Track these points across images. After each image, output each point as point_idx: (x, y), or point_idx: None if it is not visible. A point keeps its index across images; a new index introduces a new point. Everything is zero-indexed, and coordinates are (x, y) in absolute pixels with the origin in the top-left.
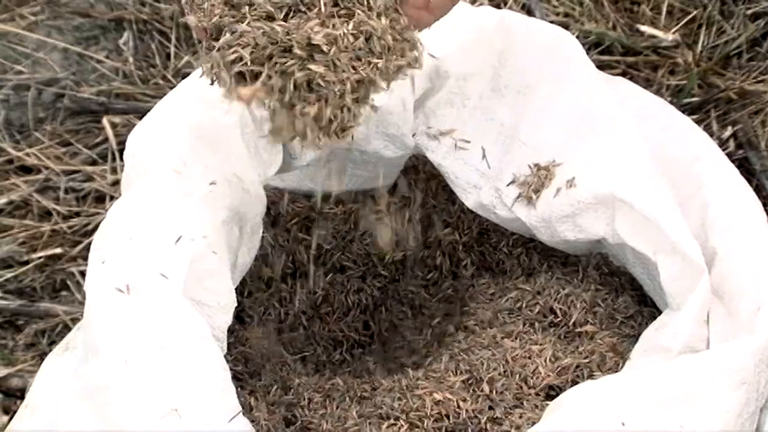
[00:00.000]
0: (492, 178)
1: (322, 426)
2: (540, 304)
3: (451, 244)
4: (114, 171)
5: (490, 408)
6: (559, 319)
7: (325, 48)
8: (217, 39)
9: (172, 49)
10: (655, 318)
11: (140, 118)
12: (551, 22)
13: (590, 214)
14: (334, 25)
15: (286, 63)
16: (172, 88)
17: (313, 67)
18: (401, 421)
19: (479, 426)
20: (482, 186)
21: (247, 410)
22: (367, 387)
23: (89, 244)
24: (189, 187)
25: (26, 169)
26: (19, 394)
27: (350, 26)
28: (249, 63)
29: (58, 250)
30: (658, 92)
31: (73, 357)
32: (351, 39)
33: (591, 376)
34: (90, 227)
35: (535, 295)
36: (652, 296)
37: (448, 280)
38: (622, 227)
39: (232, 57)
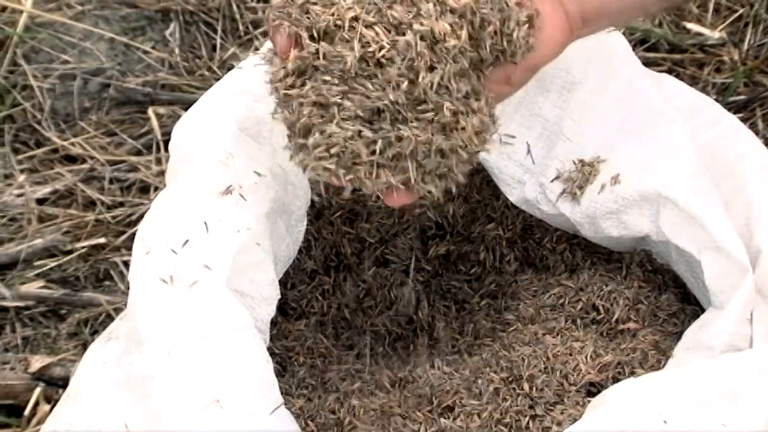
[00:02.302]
0: (536, 173)
1: (362, 418)
2: (582, 300)
3: (495, 240)
4: (159, 162)
5: (531, 407)
6: (601, 316)
7: (412, 159)
8: (305, 137)
9: (218, 41)
10: (698, 316)
11: (185, 109)
12: None
13: (634, 210)
14: (419, 130)
15: (371, 173)
16: (217, 79)
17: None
18: (441, 416)
19: (520, 422)
20: (526, 181)
21: (289, 402)
22: (409, 381)
23: (133, 234)
24: (234, 178)
25: (71, 159)
26: (62, 383)
27: (440, 138)
28: (336, 167)
29: (102, 240)
30: (703, 90)
31: (115, 347)
32: (440, 143)
33: (633, 374)
34: (134, 217)
35: (577, 291)
36: (695, 294)
37: (492, 275)
38: (666, 225)
39: (320, 156)
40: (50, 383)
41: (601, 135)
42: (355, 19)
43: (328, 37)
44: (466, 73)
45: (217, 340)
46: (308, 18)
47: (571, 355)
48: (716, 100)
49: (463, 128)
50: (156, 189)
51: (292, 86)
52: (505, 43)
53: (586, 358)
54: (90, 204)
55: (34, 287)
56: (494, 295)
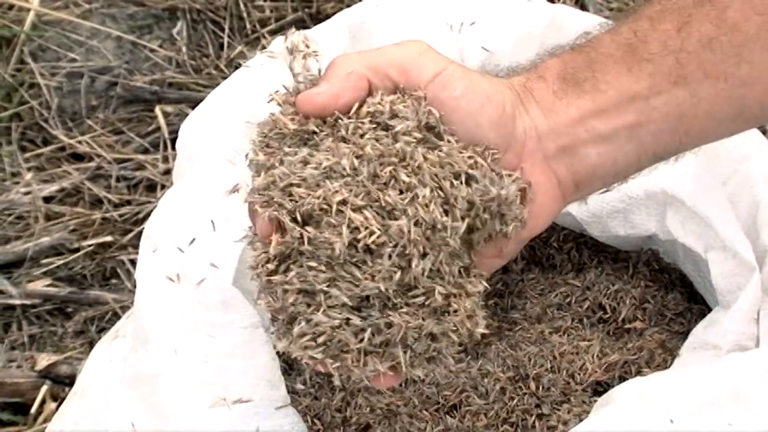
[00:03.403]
0: None
1: (368, 415)
2: (589, 299)
3: None
4: (165, 160)
5: (537, 405)
6: (608, 315)
7: (402, 345)
8: (290, 324)
9: (226, 39)
10: (704, 315)
11: (192, 108)
12: (605, 17)
13: (641, 210)
14: (410, 316)
15: (359, 361)
16: (224, 78)
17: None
18: (447, 415)
19: (526, 421)
20: None
21: (296, 401)
22: (415, 380)
23: (140, 232)
24: (241, 177)
25: (78, 157)
26: (68, 381)
27: (431, 323)
28: (323, 356)
29: (109, 238)
30: None
31: (122, 345)
32: (431, 327)
33: (639, 373)
34: (141, 216)
35: (584, 290)
36: (702, 293)
37: (498, 274)
38: (673, 224)
39: (306, 345)
40: (57, 381)
41: None
42: (343, 202)
43: (314, 221)
44: (457, 254)
45: (223, 338)
46: (291, 201)
47: (577, 354)
48: None
49: (456, 311)
50: (163, 187)
51: (275, 272)
52: (498, 224)
53: (592, 357)
54: (97, 202)
55: (40, 285)
56: (501, 293)
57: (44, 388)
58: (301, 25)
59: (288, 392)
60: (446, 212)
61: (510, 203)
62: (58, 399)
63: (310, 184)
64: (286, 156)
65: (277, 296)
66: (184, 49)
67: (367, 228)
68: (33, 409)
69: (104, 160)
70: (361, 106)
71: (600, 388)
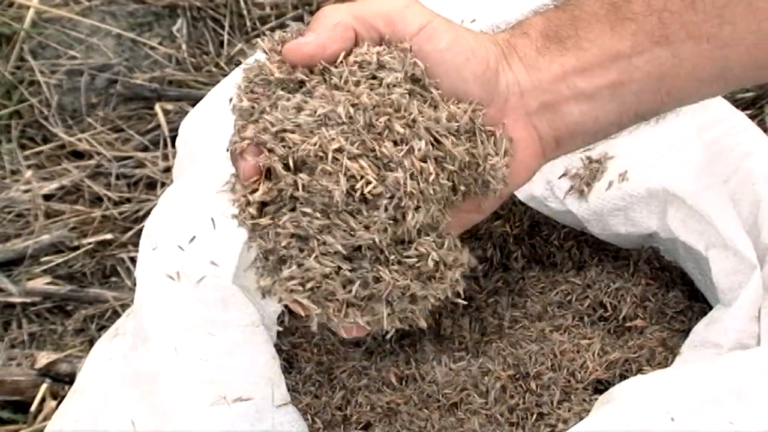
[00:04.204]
0: (544, 170)
1: (369, 414)
2: (590, 297)
3: (502, 236)
4: (165, 157)
5: (538, 404)
6: (608, 313)
7: (386, 302)
8: (279, 266)
9: (226, 37)
10: (705, 313)
11: (193, 105)
12: None
13: (642, 207)
14: (399, 275)
15: (341, 311)
16: (224, 75)
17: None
18: (447, 413)
19: (527, 419)
20: (534, 178)
21: (296, 399)
22: (416, 378)
23: (140, 230)
24: None
25: (78, 155)
26: (68, 379)
27: (417, 286)
28: (307, 301)
29: (109, 236)
30: None
31: (122, 343)
32: (416, 290)
33: (640, 371)
34: (141, 213)
35: (585, 288)
36: (703, 291)
37: (499, 272)
38: (673, 222)
39: (293, 289)
40: (56, 379)
41: None
42: (339, 150)
43: (307, 168)
44: (442, 211)
45: (223, 336)
46: (284, 147)
47: (578, 352)
48: (724, 96)
49: (442, 279)
50: (163, 185)
51: (258, 215)
52: (480, 181)
53: (593, 355)
54: (97, 200)
55: (40, 283)
56: (501, 292)
57: (44, 387)
58: (301, 22)
59: (288, 390)
60: (441, 167)
61: (496, 161)
62: (58, 397)
63: (305, 130)
64: (278, 101)
65: (269, 238)
66: (184, 46)
67: (363, 177)
68: (33, 408)
69: (104, 157)
70: (347, 56)
71: (601, 387)
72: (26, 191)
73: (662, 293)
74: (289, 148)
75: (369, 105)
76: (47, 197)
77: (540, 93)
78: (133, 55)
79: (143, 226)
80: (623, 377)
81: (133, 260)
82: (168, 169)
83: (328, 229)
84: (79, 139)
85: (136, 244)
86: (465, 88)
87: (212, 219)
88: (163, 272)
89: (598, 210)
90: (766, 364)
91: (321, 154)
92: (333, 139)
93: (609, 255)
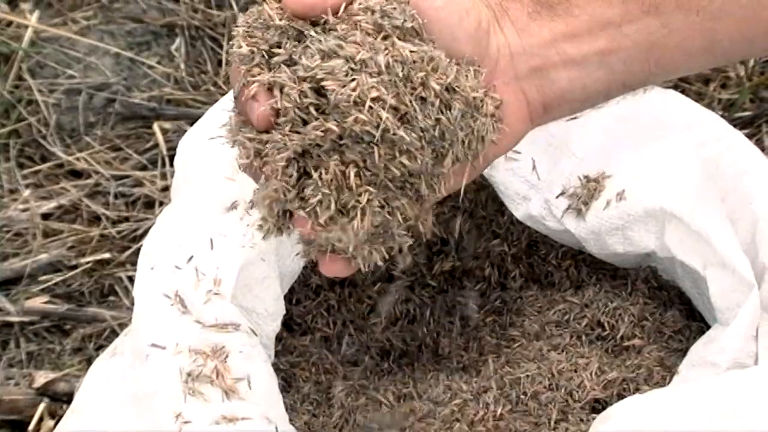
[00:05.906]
0: (542, 189)
1: None
2: (588, 317)
3: (500, 256)
4: (164, 177)
5: (535, 423)
6: (606, 333)
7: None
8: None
9: (224, 56)
10: (703, 333)
11: (191, 125)
12: None
13: (640, 227)
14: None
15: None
16: (223, 94)
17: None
18: (446, 431)
19: None
20: (532, 197)
21: (294, 418)
22: (414, 397)
23: (138, 249)
24: (239, 193)
25: (76, 174)
26: (66, 398)
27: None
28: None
29: (107, 255)
30: (709, 106)
31: (120, 362)
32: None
33: (638, 390)
34: (139, 233)
35: (583, 307)
36: (700, 311)
37: (497, 291)
38: (671, 241)
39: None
40: (54, 399)
41: (606, 151)
42: (376, 99)
43: (338, 112)
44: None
45: (222, 356)
46: (311, 91)
47: (576, 371)
48: (722, 116)
49: (424, 200)
50: (161, 204)
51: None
52: (476, 144)
53: (591, 374)
54: (95, 219)
55: (38, 302)
56: (499, 311)
57: (42, 406)
58: None
59: (286, 409)
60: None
61: (487, 121)
62: (56, 416)
63: (338, 76)
64: (312, 43)
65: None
66: (182, 65)
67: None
68: (31, 427)
69: (102, 176)
70: (348, 5)
71: (598, 406)
72: (24, 210)
73: (660, 312)
74: (320, 93)
75: (410, 58)
76: (45, 216)
77: (529, 57)
78: (132, 75)
79: (141, 246)
80: (621, 396)
81: (131, 279)
82: (166, 188)
83: (364, 165)
84: (78, 158)
85: (134, 264)
86: (457, 48)
87: (210, 238)
88: (160, 292)
89: (596, 229)
90: (764, 384)
91: (358, 100)
92: (373, 86)
93: (607, 274)
